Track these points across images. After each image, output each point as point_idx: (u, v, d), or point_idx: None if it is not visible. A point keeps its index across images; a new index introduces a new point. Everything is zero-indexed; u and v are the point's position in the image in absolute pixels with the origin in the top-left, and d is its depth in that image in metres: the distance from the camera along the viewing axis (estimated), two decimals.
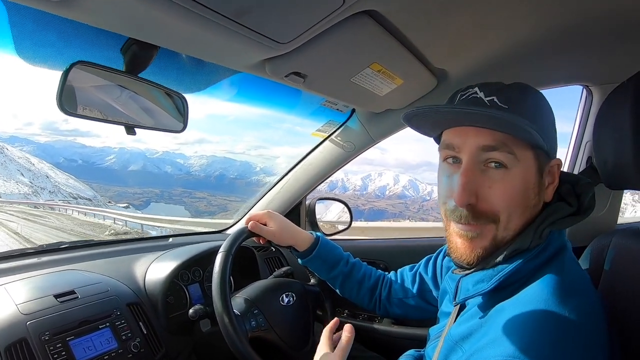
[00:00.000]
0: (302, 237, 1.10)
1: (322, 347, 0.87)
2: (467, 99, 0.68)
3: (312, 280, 1.22)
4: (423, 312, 1.08)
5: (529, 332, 0.53)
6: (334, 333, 0.92)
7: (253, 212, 1.12)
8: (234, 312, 0.92)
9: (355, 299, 1.15)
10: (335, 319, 0.97)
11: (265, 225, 1.07)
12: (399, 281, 1.13)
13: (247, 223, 1.06)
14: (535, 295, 0.58)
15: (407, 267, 1.15)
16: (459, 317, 0.72)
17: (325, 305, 1.20)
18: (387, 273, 1.18)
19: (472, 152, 0.65)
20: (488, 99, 0.65)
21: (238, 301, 1.03)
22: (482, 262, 0.67)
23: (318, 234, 1.14)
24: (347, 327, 0.89)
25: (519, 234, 0.66)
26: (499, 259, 0.65)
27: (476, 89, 0.68)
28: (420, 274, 1.08)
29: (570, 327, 0.53)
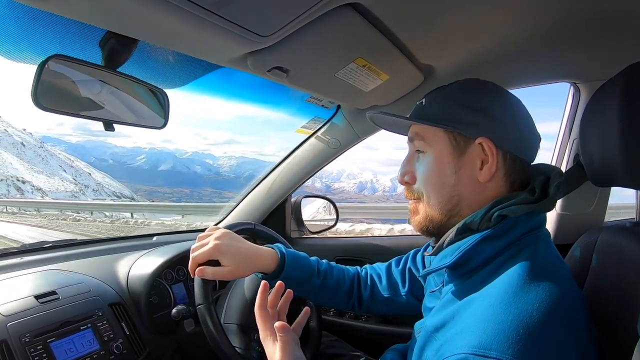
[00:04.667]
0: (264, 258, 0.97)
1: (263, 336, 0.82)
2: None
3: None
4: (412, 308, 1.05)
5: (493, 325, 0.54)
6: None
7: (200, 251, 0.92)
8: (237, 349, 0.90)
9: (332, 305, 1.16)
10: (278, 285, 0.89)
11: (217, 263, 0.92)
12: (384, 280, 1.09)
13: (192, 271, 0.92)
14: (502, 288, 0.59)
15: (392, 262, 1.12)
16: (433, 308, 0.74)
17: None
18: (359, 269, 1.14)
19: (408, 144, 0.83)
20: (419, 101, 0.81)
21: (233, 331, 0.99)
22: (430, 234, 0.79)
23: (281, 247, 1.02)
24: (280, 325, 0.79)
25: (453, 212, 0.74)
26: (452, 235, 0.71)
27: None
28: (409, 269, 1.07)
29: (536, 322, 0.54)
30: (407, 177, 0.80)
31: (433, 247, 0.77)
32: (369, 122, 1.35)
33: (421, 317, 0.88)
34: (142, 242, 1.45)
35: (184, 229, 1.72)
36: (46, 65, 0.73)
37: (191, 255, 0.93)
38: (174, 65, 1.00)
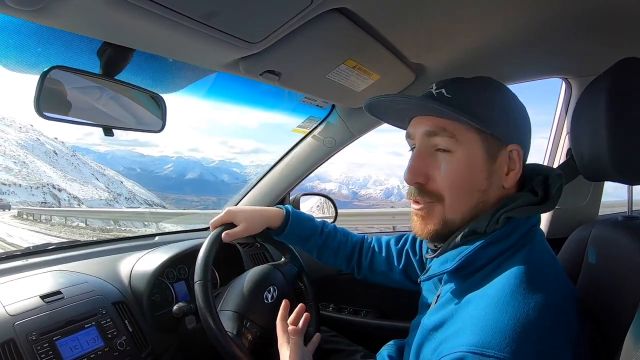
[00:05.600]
0: (273, 215, 1.10)
1: (281, 342, 0.92)
2: (424, 94, 0.75)
3: (283, 259, 1.22)
4: (405, 285, 1.11)
5: (491, 324, 0.54)
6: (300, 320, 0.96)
7: (215, 219, 1.07)
8: (229, 334, 0.92)
9: (332, 265, 1.18)
10: (300, 306, 0.99)
11: (232, 225, 1.06)
12: (383, 253, 1.14)
13: (213, 230, 1.05)
14: (500, 288, 0.59)
15: (392, 240, 1.16)
16: (431, 306, 0.74)
17: (304, 279, 1.20)
18: (367, 237, 1.20)
19: (420, 138, 0.73)
20: (437, 91, 0.72)
21: (227, 317, 1.02)
22: (437, 239, 0.74)
23: (288, 207, 1.14)
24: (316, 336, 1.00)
25: (473, 218, 0.70)
26: (458, 239, 0.69)
27: (434, 85, 0.74)
28: (407, 252, 1.10)
29: (533, 320, 0.54)
30: (422, 178, 0.72)
31: (433, 248, 0.76)
32: (364, 120, 1.37)
33: (417, 312, 0.90)
34: (144, 242, 1.47)
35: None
36: (47, 76, 0.76)
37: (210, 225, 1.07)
38: (170, 71, 1.03)
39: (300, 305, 0.98)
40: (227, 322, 0.99)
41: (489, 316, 0.55)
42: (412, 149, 0.78)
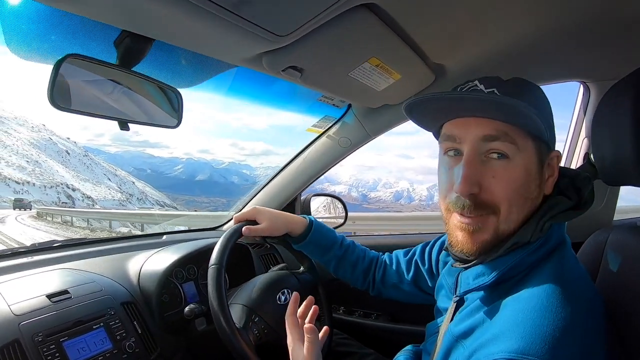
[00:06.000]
0: (295, 222, 1.10)
1: (293, 339, 0.86)
2: (467, 91, 0.69)
3: (302, 268, 1.21)
4: (416, 297, 1.10)
5: (530, 329, 0.53)
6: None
7: (240, 213, 1.08)
8: (235, 325, 0.90)
9: (349, 280, 1.17)
10: (309, 299, 0.95)
11: (255, 222, 1.06)
12: (393, 266, 1.13)
13: (236, 223, 1.05)
14: (536, 293, 0.59)
15: (401, 252, 1.16)
16: (457, 313, 0.72)
17: (319, 289, 1.19)
18: (381, 254, 1.19)
19: (474, 143, 0.66)
20: (488, 90, 0.66)
21: (237, 310, 1.01)
22: (483, 254, 0.68)
23: (311, 217, 1.15)
24: (324, 330, 0.94)
25: (520, 227, 0.66)
26: (500, 251, 0.65)
27: (476, 82, 0.69)
28: (416, 262, 1.09)
29: (570, 325, 0.54)
30: (477, 188, 0.65)
31: (465, 259, 0.72)
32: (380, 120, 1.36)
33: (431, 315, 0.89)
34: (151, 241, 1.45)
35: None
36: (62, 65, 0.73)
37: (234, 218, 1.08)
38: (188, 65, 1.00)
39: (309, 297, 0.95)
40: (235, 314, 0.98)
41: (527, 322, 0.55)
42: (449, 153, 0.71)
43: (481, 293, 0.69)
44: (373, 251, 1.20)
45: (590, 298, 0.61)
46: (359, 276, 1.15)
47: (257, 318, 0.99)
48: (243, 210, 1.09)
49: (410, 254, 1.13)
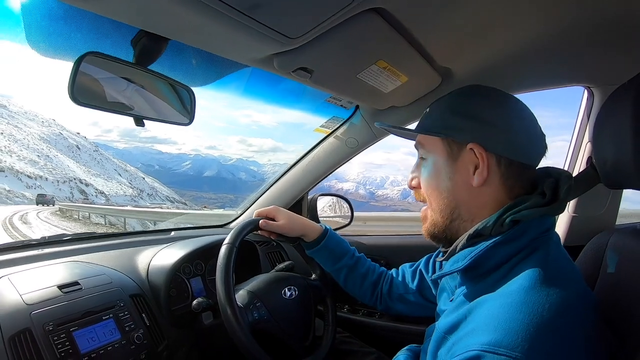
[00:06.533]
0: (311, 227, 1.15)
1: None
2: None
3: (313, 275, 1.23)
4: (423, 308, 1.10)
5: (505, 323, 0.55)
6: None
7: (260, 208, 1.14)
8: (237, 303, 0.93)
9: (357, 293, 1.18)
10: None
11: (273, 219, 1.11)
12: (399, 277, 1.16)
13: (256, 217, 1.12)
14: (515, 288, 0.60)
15: (408, 264, 1.19)
16: (445, 310, 0.75)
17: (327, 301, 1.20)
18: (389, 270, 1.21)
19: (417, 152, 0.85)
20: (425, 110, 0.85)
21: (241, 293, 1.04)
22: (437, 240, 0.82)
23: (327, 225, 1.18)
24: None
25: (452, 216, 0.77)
26: (464, 240, 0.73)
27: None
28: (421, 271, 1.11)
29: (548, 321, 0.55)
30: (415, 182, 0.85)
31: (444, 253, 0.80)
32: (388, 122, 1.37)
33: (434, 319, 0.91)
34: (160, 236, 1.47)
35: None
36: (82, 62, 0.76)
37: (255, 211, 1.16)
38: (201, 64, 1.03)
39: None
40: (239, 297, 1.02)
41: (502, 316, 0.56)
42: None
43: (465, 289, 0.72)
44: (382, 267, 1.22)
45: (576, 297, 0.61)
46: (368, 289, 1.17)
47: (259, 303, 1.02)
48: (264, 207, 1.15)
49: (415, 265, 1.16)
